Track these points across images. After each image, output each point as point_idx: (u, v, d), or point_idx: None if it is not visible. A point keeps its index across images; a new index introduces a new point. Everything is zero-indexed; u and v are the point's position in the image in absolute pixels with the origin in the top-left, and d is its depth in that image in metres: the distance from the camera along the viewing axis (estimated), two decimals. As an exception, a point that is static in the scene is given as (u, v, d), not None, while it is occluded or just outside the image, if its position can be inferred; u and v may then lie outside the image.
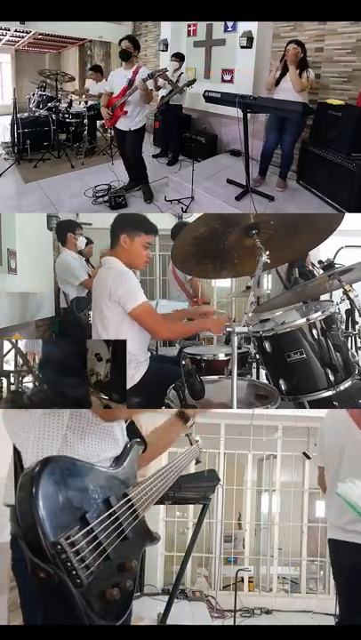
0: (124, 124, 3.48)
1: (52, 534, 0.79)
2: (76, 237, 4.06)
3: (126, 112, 3.41)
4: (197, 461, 1.78)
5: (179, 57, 4.26)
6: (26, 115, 4.47)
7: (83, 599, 0.80)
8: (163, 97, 4.22)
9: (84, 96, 4.86)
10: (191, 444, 1.63)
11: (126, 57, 3.38)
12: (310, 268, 4.39)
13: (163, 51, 4.90)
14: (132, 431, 1.21)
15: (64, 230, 4.11)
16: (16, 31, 5.03)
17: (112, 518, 0.93)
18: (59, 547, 0.79)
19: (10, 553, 1.00)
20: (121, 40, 3.46)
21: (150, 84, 3.29)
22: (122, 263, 2.30)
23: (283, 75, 3.35)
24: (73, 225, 4.14)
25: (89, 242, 4.46)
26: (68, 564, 0.79)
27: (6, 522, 1.04)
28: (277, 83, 3.38)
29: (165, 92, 4.17)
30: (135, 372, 2.24)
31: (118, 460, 1.10)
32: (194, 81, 3.96)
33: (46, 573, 0.77)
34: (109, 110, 3.44)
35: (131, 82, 3.30)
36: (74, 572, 0.79)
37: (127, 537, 0.95)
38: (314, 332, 2.01)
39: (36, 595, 0.83)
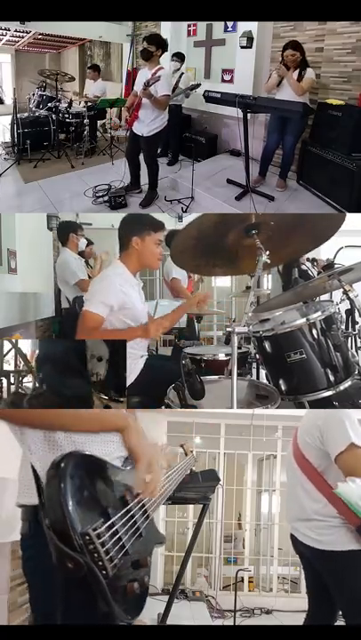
0: (138, 129, 3.38)
1: (80, 525, 0.82)
2: (78, 238, 4.08)
3: (137, 116, 3.31)
4: (191, 471, 1.78)
5: (179, 57, 4.25)
6: (26, 115, 4.46)
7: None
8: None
9: (84, 97, 4.86)
10: (186, 454, 1.64)
11: (146, 57, 3.30)
12: (305, 266, 4.41)
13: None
14: None
15: (66, 230, 4.13)
16: (16, 31, 5.01)
17: (128, 515, 0.96)
18: (87, 537, 0.82)
19: (10, 554, 1.01)
20: (144, 38, 3.39)
21: (159, 88, 3.15)
22: (123, 266, 2.31)
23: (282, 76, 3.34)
24: (75, 226, 4.16)
25: (89, 242, 4.48)
26: (95, 554, 0.82)
27: (7, 522, 1.04)
28: (278, 83, 3.38)
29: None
30: (130, 372, 2.23)
31: (126, 461, 1.11)
32: (198, 85, 3.94)
33: (75, 563, 0.80)
34: (129, 111, 3.36)
35: (147, 82, 3.17)
36: (100, 563, 0.82)
37: (141, 534, 0.98)
38: (314, 331, 2.02)
39: (58, 591, 0.86)
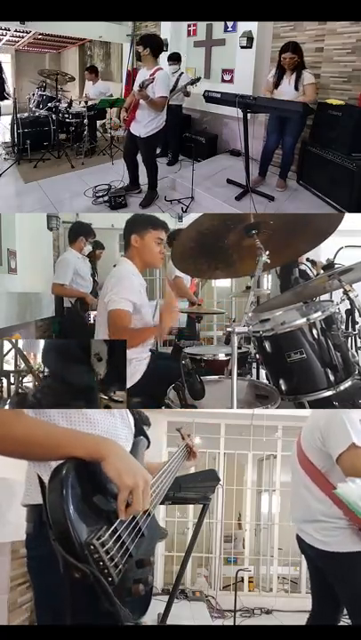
0: (135, 129, 3.37)
1: (83, 535, 0.83)
2: (85, 243, 4.13)
3: (135, 117, 3.30)
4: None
5: (175, 58, 4.23)
6: (26, 115, 4.46)
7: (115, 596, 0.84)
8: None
9: (84, 98, 4.87)
10: (183, 438, 1.62)
11: (138, 57, 3.32)
12: (304, 265, 4.41)
13: (163, 51, 4.88)
14: (137, 428, 1.22)
15: (78, 232, 4.16)
16: (16, 31, 5.01)
17: (130, 517, 0.95)
18: (91, 547, 0.82)
19: (10, 554, 1.01)
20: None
21: (156, 90, 3.15)
22: (133, 265, 2.32)
23: (281, 77, 3.34)
24: (88, 231, 4.18)
25: (100, 247, 4.51)
26: (101, 563, 0.83)
27: (6, 522, 1.04)
28: (277, 85, 3.38)
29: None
30: (134, 372, 2.24)
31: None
32: (198, 79, 3.92)
33: (81, 572, 0.81)
34: (126, 112, 3.35)
35: (142, 84, 3.15)
36: (106, 571, 0.83)
37: (143, 534, 0.98)
38: (314, 331, 2.01)
39: (64, 592, 0.85)
